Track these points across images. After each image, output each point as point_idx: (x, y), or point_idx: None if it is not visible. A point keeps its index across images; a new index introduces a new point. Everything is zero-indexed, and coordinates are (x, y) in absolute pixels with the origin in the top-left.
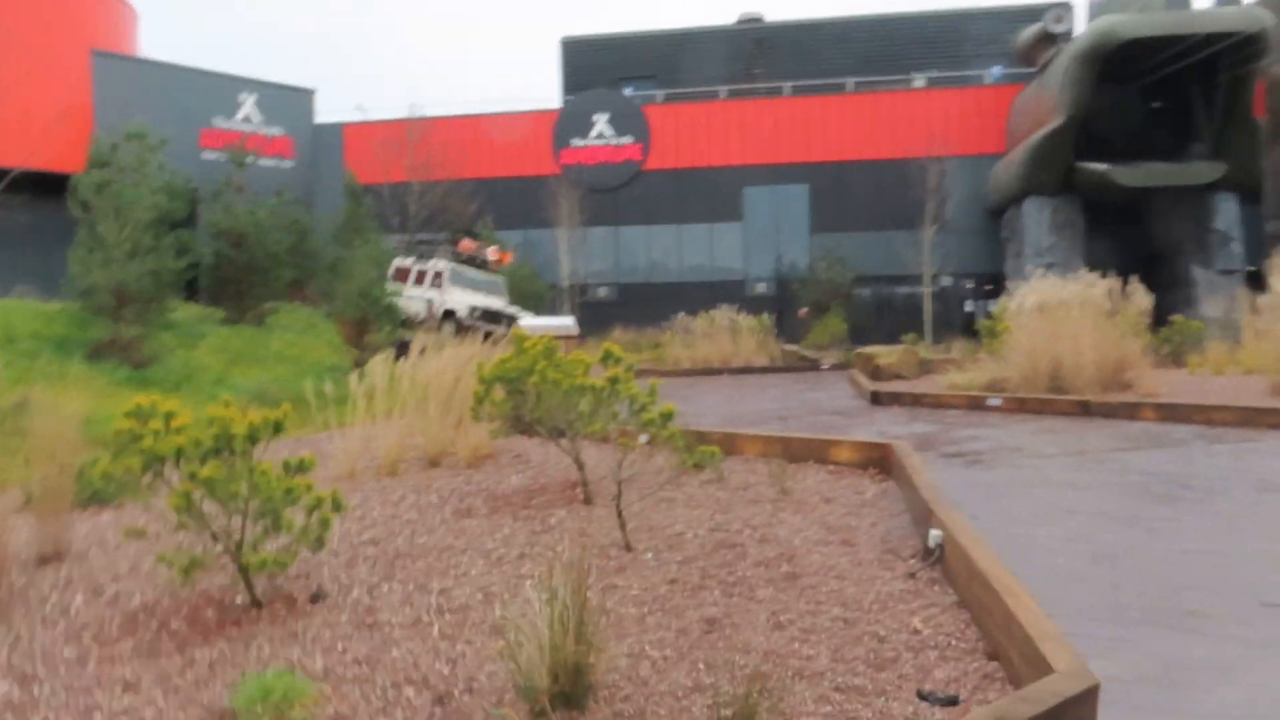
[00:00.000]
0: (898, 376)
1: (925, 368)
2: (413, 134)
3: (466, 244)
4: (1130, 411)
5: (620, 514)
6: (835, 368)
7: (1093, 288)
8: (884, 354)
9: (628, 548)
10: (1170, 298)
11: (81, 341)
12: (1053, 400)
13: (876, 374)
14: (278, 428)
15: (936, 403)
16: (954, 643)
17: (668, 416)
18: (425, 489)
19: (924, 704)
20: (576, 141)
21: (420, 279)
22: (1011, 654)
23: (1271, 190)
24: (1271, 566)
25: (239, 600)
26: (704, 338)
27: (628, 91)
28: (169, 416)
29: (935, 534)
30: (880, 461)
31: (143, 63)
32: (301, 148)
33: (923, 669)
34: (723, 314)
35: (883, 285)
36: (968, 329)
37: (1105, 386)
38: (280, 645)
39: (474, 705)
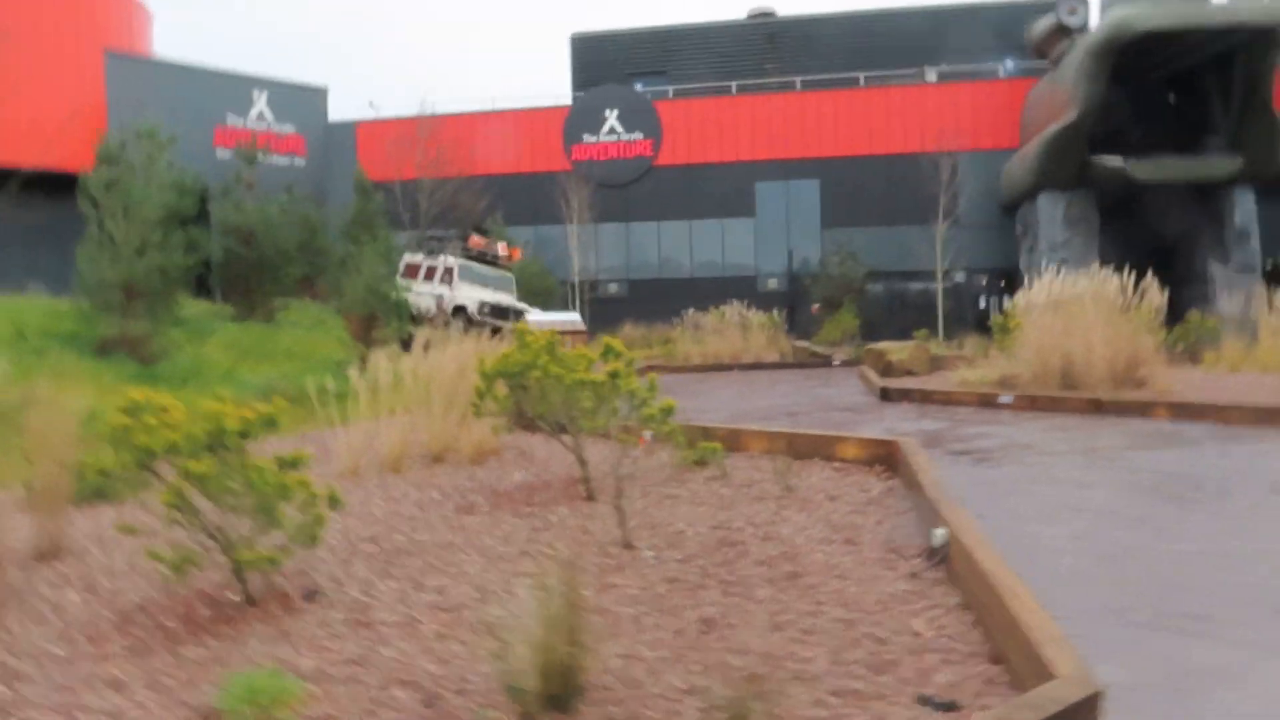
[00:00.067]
0: (909, 373)
1: (937, 364)
2: (424, 131)
3: (476, 240)
4: (1143, 409)
5: (620, 511)
6: (846, 364)
7: (1105, 284)
8: (895, 350)
9: (628, 545)
10: (1186, 294)
11: (90, 338)
12: (1064, 398)
13: (887, 370)
14: (271, 423)
15: (947, 399)
16: (957, 645)
17: (668, 412)
18: (427, 485)
19: (923, 709)
20: (587, 137)
21: (430, 275)
22: (1014, 657)
23: None
24: None
25: (233, 598)
26: (714, 333)
27: (638, 87)
28: (163, 411)
29: (939, 533)
30: (886, 459)
31: (156, 63)
32: (314, 145)
33: (923, 672)
34: (733, 310)
35: (895, 281)
36: (981, 325)
37: (1118, 384)
38: (272, 644)
39: (463, 707)
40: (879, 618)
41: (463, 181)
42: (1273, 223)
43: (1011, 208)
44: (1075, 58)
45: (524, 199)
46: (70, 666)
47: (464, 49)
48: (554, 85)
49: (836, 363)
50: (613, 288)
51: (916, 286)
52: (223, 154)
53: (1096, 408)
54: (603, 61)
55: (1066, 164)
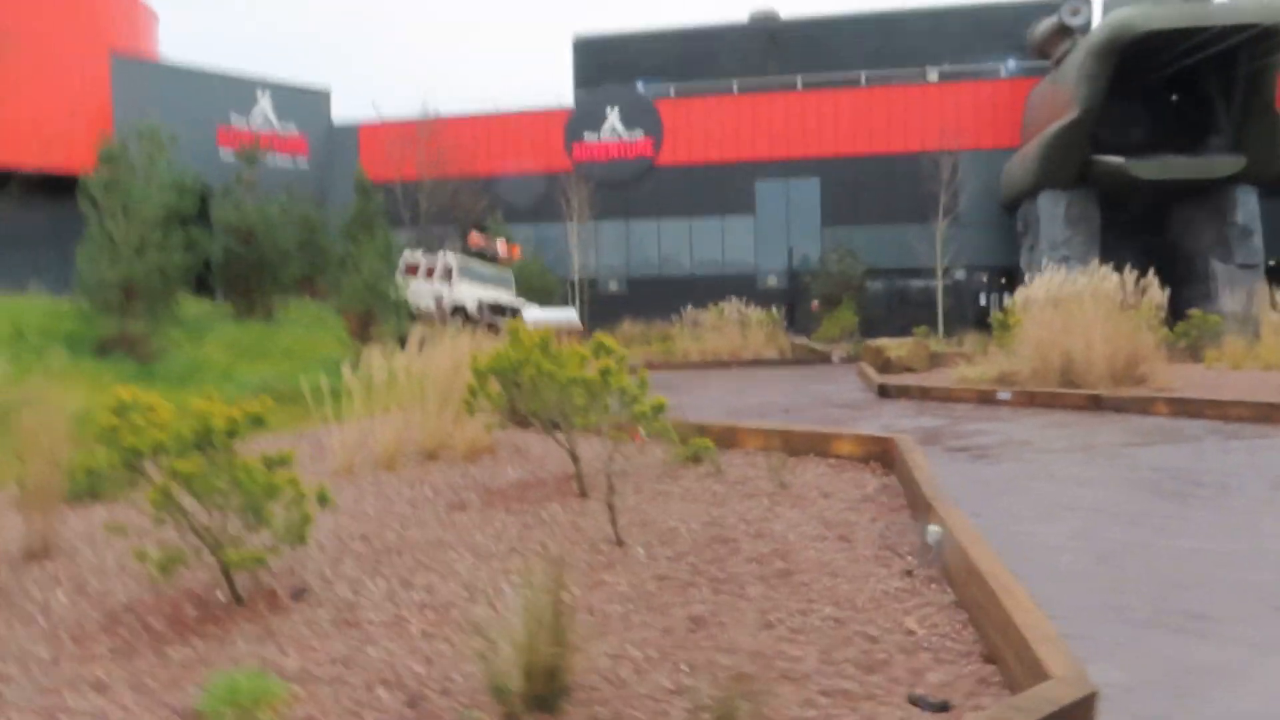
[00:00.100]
0: (907, 370)
1: (936, 361)
2: (425, 132)
3: (476, 238)
4: (1143, 406)
5: (612, 508)
6: (845, 361)
7: (1105, 281)
8: (893, 347)
9: (619, 543)
10: (1189, 292)
11: (90, 338)
12: (1063, 394)
13: (886, 367)
14: (258, 422)
15: (945, 396)
16: (950, 644)
17: (659, 409)
18: (421, 483)
19: (914, 710)
20: (589, 137)
21: (430, 273)
22: (1008, 657)
23: None
24: None
25: (221, 597)
26: (713, 331)
27: (639, 87)
28: (149, 410)
29: (933, 530)
30: (882, 455)
31: (160, 65)
32: (317, 146)
33: (915, 672)
34: (732, 307)
35: (895, 279)
36: (981, 322)
37: (1118, 381)
38: (257, 644)
39: (447, 707)
40: (871, 616)
41: (463, 181)
42: (1275, 221)
43: (1012, 206)
44: (1077, 58)
45: (526, 198)
46: (55, 668)
47: (465, 50)
48: (555, 86)
49: (835, 360)
50: (613, 285)
51: (917, 284)
52: (226, 155)
53: (1096, 404)
54: (605, 63)
55: (1068, 163)
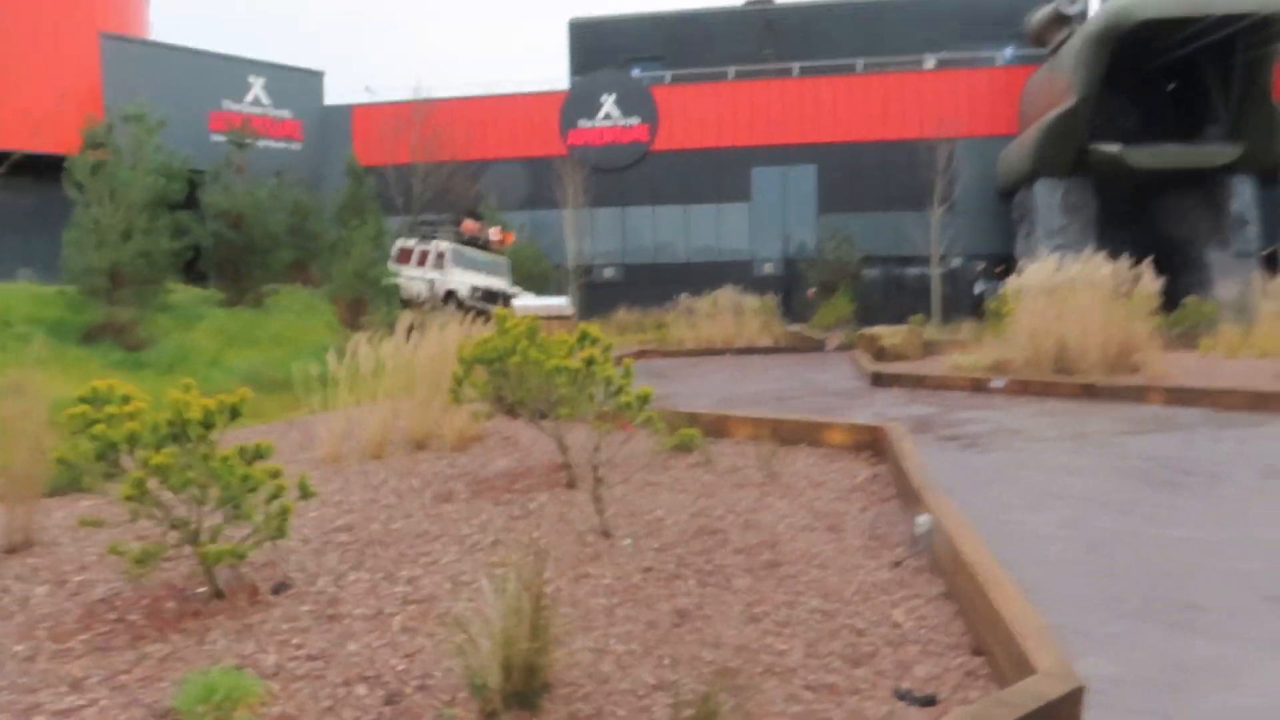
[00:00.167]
0: (901, 358)
1: (930, 349)
2: (419, 115)
3: (469, 225)
4: (1136, 394)
5: (598, 499)
6: (840, 348)
7: (1100, 269)
8: (888, 335)
9: (605, 534)
10: (1185, 280)
11: (77, 324)
12: (1057, 383)
13: (880, 355)
14: (235, 413)
15: (938, 384)
16: (937, 636)
17: (644, 399)
18: (408, 473)
19: (900, 704)
20: (584, 122)
21: (423, 260)
22: (996, 650)
23: None
24: (1274, 556)
25: (201, 591)
26: (708, 318)
27: (635, 73)
28: (124, 401)
29: (922, 520)
30: (873, 444)
31: (152, 45)
32: (310, 129)
33: (902, 665)
34: (727, 294)
35: (891, 266)
36: (977, 310)
37: (1111, 369)
38: (236, 639)
39: (425, 704)
40: (859, 608)
41: (458, 166)
42: (1272, 209)
43: (1009, 194)
44: (1074, 45)
45: (520, 184)
46: (30, 664)
47: (460, 32)
48: (551, 70)
49: (830, 347)
50: (608, 272)
51: (913, 271)
52: (218, 138)
53: (1089, 392)
54: (601, 47)
55: (1064, 150)
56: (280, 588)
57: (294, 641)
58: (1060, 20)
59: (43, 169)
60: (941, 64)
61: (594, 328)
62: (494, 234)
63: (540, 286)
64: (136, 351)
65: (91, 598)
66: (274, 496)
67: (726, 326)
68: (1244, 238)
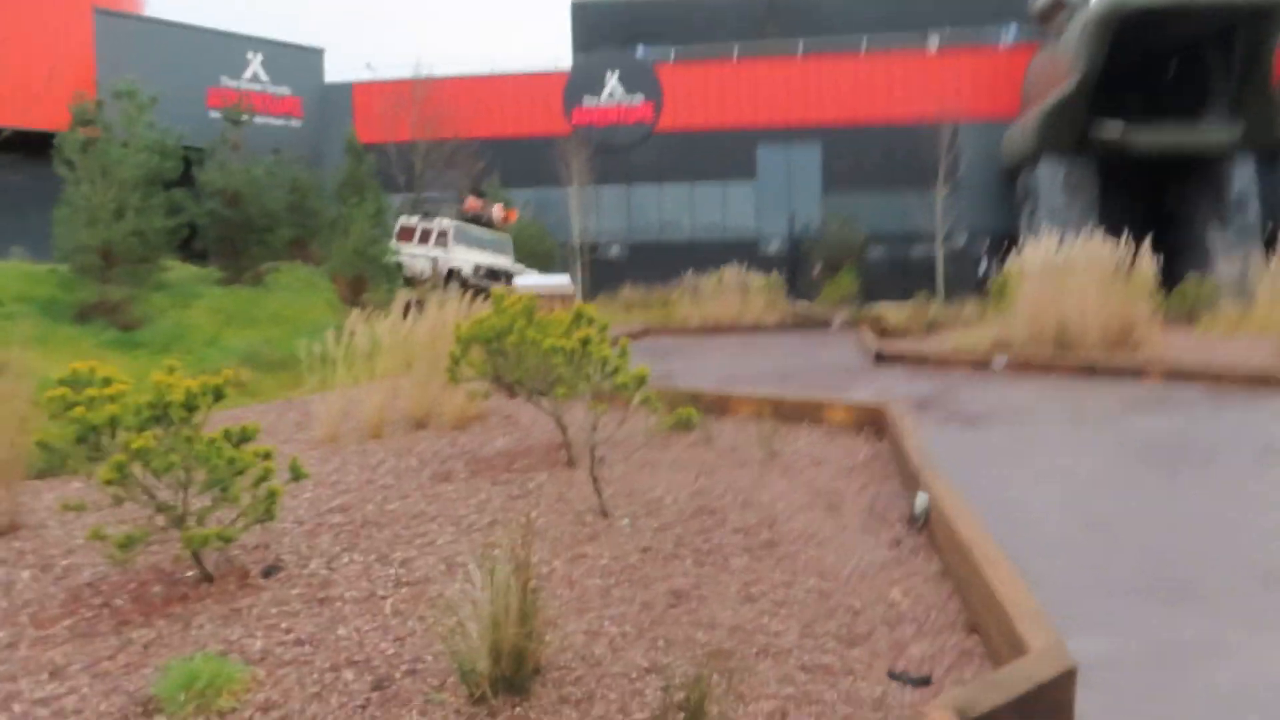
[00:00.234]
0: (905, 336)
1: (933, 327)
2: (419, 92)
3: (472, 203)
4: (1136, 373)
5: (595, 479)
6: (845, 327)
7: (1100, 248)
8: (891, 313)
9: (603, 514)
10: (1186, 260)
11: (69, 303)
12: (1057, 361)
13: (883, 333)
14: (218, 395)
15: (941, 363)
16: (933, 616)
17: (640, 380)
18: (407, 452)
19: (893, 685)
20: (588, 101)
21: (425, 238)
22: (991, 630)
23: None
24: (1271, 535)
25: (190, 575)
26: (713, 296)
27: (639, 51)
28: (105, 383)
29: (921, 499)
30: (874, 422)
31: (147, 21)
32: (310, 107)
33: (898, 645)
34: (732, 273)
35: (896, 245)
36: (981, 289)
37: (1112, 347)
38: (223, 624)
39: (414, 689)
40: (855, 587)
41: (460, 144)
42: (1272, 189)
43: (1012, 174)
44: (1076, 28)
45: (524, 162)
46: (11, 651)
47: (462, 11)
48: (554, 49)
49: (835, 326)
50: (613, 250)
51: (917, 250)
52: (216, 115)
53: (1089, 371)
54: (604, 25)
55: (1066, 131)
56: (271, 570)
57: (282, 626)
58: (1062, 3)
59: (35, 146)
60: (945, 44)
61: (590, 307)
62: (497, 212)
63: (545, 264)
64: (131, 331)
65: (77, 582)
66: (261, 479)
67: (731, 305)
68: (1244, 217)
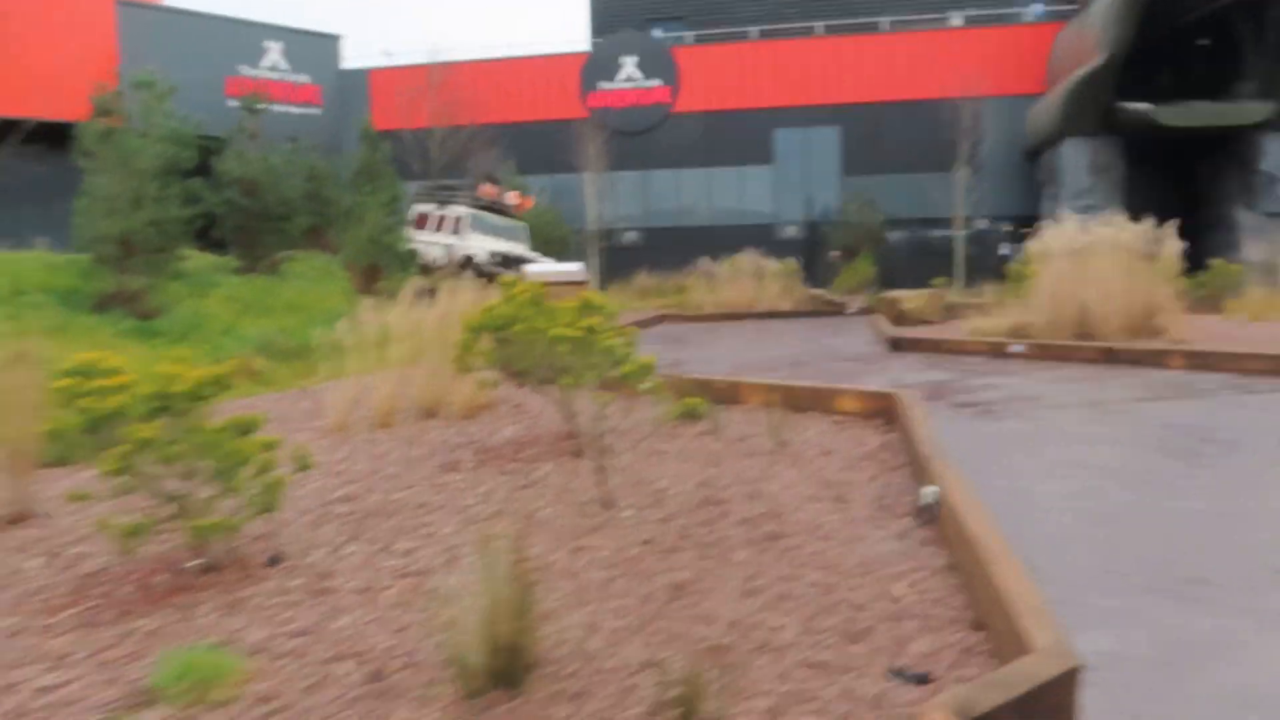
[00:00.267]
0: (922, 321)
1: (951, 312)
2: (436, 78)
3: (488, 189)
4: (1157, 359)
5: (600, 470)
6: (862, 312)
7: (1123, 231)
8: (908, 298)
9: (607, 504)
10: (1213, 241)
11: (89, 293)
12: (1077, 347)
13: (900, 319)
14: (223, 385)
15: (957, 349)
16: (938, 611)
17: (646, 369)
18: (415, 441)
19: (893, 683)
20: (604, 84)
21: (440, 225)
22: (996, 626)
23: None
24: None
25: (194, 564)
26: (728, 282)
27: (656, 33)
28: (113, 373)
29: (928, 491)
30: (885, 411)
31: (167, 11)
32: (329, 94)
33: (900, 641)
34: (748, 258)
35: (915, 228)
36: (1001, 273)
37: (1133, 333)
38: (225, 614)
39: (409, 682)
40: (859, 581)
41: (476, 129)
42: None
43: (1035, 154)
44: (1104, 2)
45: (540, 147)
46: (16, 639)
47: None
48: (562, 36)
49: (851, 311)
50: (629, 236)
51: (937, 234)
52: (234, 104)
53: (1109, 357)
54: (621, 7)
55: (1093, 109)
56: (274, 561)
57: (282, 616)
58: None
59: (59, 136)
60: (968, 21)
61: (597, 295)
62: (512, 198)
63: (560, 251)
64: (149, 319)
65: (83, 571)
66: (264, 470)
67: (746, 290)
68: (1274, 197)
